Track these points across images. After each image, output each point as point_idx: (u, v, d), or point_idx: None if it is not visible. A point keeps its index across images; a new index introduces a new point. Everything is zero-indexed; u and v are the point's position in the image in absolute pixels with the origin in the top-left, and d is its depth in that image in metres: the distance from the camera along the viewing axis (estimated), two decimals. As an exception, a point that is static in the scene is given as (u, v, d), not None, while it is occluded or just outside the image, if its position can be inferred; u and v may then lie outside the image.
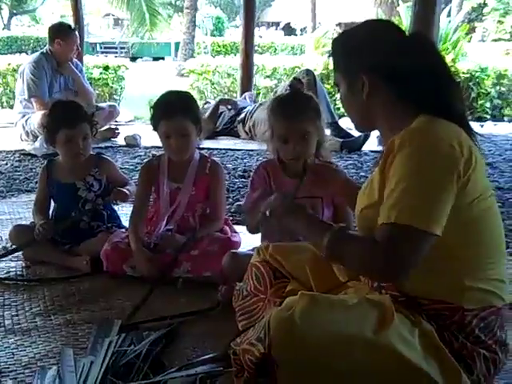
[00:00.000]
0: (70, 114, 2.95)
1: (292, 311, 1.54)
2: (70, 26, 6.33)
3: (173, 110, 2.66)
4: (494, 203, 1.68)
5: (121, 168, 4.86)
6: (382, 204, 1.56)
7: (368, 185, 1.73)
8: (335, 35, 1.89)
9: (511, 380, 1.84)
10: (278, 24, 34.62)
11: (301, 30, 30.55)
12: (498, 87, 10.06)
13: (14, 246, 2.95)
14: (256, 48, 9.03)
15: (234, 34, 27.29)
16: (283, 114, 2.43)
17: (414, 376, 1.52)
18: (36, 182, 4.48)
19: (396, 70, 1.65)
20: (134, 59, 22.45)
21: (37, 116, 5.68)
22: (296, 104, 2.44)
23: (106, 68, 9.84)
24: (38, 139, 5.51)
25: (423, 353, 1.54)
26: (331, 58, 1.81)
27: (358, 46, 1.72)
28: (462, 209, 1.56)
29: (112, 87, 9.83)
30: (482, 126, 8.85)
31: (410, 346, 1.53)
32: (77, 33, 6.10)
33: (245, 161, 5.46)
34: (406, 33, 1.75)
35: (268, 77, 10.30)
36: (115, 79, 9.90)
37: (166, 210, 2.79)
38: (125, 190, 2.99)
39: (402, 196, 1.51)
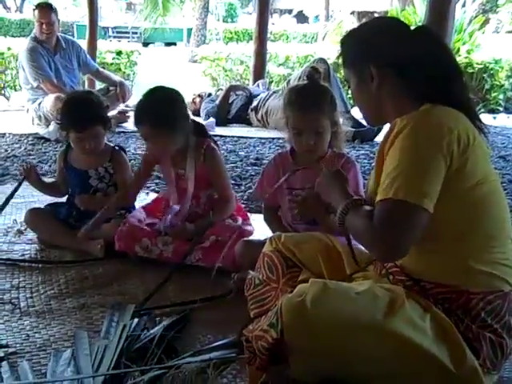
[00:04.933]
0: (81, 116, 2.92)
1: (303, 297, 1.58)
2: (46, 3, 6.29)
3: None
4: (499, 189, 1.73)
5: (133, 154, 4.89)
6: (380, 183, 1.62)
7: (373, 170, 1.78)
8: (350, 25, 1.92)
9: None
10: (290, 11, 34.44)
11: (314, 18, 30.41)
12: (511, 79, 10.01)
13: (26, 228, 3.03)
14: (268, 35, 8.99)
15: (246, 20, 27.21)
16: (299, 106, 2.43)
17: (424, 360, 1.56)
18: (50, 166, 4.53)
19: (403, 61, 1.73)
20: (146, 44, 22.45)
21: (49, 99, 5.70)
22: (313, 97, 2.44)
23: (119, 53, 9.86)
24: (52, 123, 5.53)
25: (434, 337, 1.58)
26: (341, 55, 1.88)
27: (366, 40, 1.81)
28: (465, 191, 1.63)
29: (124, 72, 9.84)
30: (494, 118, 8.82)
31: (420, 331, 1.58)
32: (52, 12, 5.99)
33: (257, 148, 5.47)
34: (413, 27, 1.83)
35: (281, 65, 10.29)
36: (128, 64, 9.92)
37: (172, 194, 2.82)
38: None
39: (397, 173, 1.57)
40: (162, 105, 2.68)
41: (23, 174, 3.06)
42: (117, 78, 6.69)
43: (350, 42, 1.87)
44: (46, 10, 5.95)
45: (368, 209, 1.66)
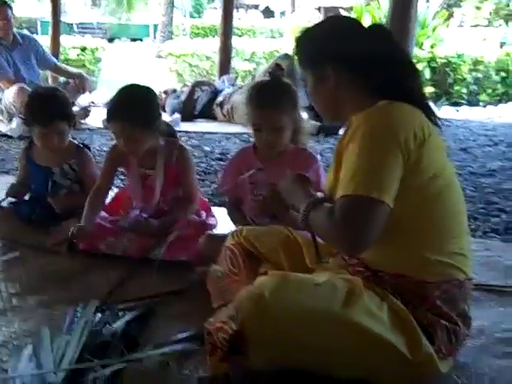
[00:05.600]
0: (45, 112, 2.91)
1: (262, 289, 1.61)
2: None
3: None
4: (454, 182, 1.78)
5: (98, 150, 4.87)
6: (340, 180, 1.65)
7: (332, 165, 1.82)
8: (315, 20, 1.95)
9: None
10: (257, 6, 34.44)
11: (280, 14, 30.44)
12: (474, 73, 10.15)
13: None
14: (235, 31, 8.99)
15: (213, 15, 27.12)
16: (257, 103, 2.46)
17: (382, 348, 1.61)
18: (12, 163, 4.48)
19: (358, 59, 1.76)
20: (111, 40, 22.26)
21: (10, 92, 5.65)
22: (272, 94, 2.47)
23: (84, 49, 9.79)
24: (14, 119, 5.47)
25: (391, 326, 1.63)
26: (296, 55, 1.91)
27: (321, 39, 1.84)
28: (421, 184, 1.67)
29: (89, 69, 9.76)
30: (457, 111, 8.95)
31: (378, 321, 1.62)
32: (7, 8, 5.97)
33: (222, 143, 5.48)
34: (371, 24, 1.90)
35: (247, 60, 10.30)
36: (92, 61, 9.84)
37: (137, 193, 2.82)
38: None
39: (355, 169, 1.61)
40: (137, 101, 2.67)
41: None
42: (76, 70, 6.65)
43: (305, 41, 1.89)
44: (0, 6, 5.89)
45: (329, 206, 1.69)
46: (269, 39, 17.19)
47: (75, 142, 3.10)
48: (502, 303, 2.29)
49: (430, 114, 1.77)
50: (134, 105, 2.64)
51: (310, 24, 2.01)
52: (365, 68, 1.76)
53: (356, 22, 1.89)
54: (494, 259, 2.76)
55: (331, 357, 1.62)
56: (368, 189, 1.57)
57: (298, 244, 2.08)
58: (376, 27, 1.89)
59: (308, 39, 1.88)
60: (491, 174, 4.60)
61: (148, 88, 2.76)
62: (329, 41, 1.81)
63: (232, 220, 2.67)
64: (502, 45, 14.96)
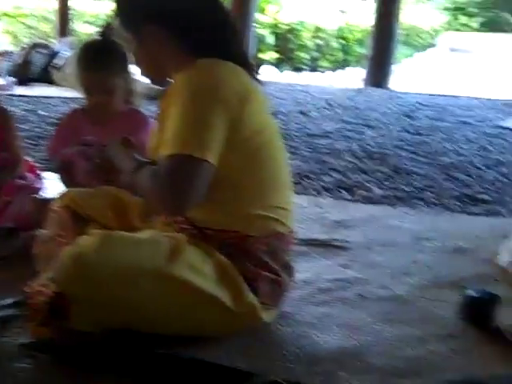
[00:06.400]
0: None
1: (83, 247, 1.58)
2: None
3: None
4: (276, 139, 1.83)
5: None
6: (164, 140, 1.64)
7: (157, 126, 1.81)
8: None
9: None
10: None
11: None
12: (315, 40, 10.47)
13: None
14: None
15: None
16: (86, 65, 2.40)
17: (206, 302, 1.64)
18: None
19: (177, 18, 1.74)
20: None
21: None
22: (101, 55, 2.40)
23: None
24: None
25: (215, 280, 1.66)
26: (117, 15, 1.87)
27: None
28: (243, 141, 1.69)
29: None
30: (299, 76, 9.21)
31: (202, 275, 1.64)
32: None
33: (58, 108, 5.31)
34: None
35: (89, 23, 9.96)
36: None
37: None
38: None
39: (178, 129, 1.60)
40: None
41: None
42: None
43: (121, 2, 1.85)
44: None
45: (153, 167, 1.68)
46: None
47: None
48: (326, 256, 2.41)
49: (251, 72, 1.79)
50: None
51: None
52: (185, 28, 1.74)
53: None
54: (323, 215, 2.90)
55: (156, 314, 1.63)
56: (191, 148, 1.57)
57: (127, 205, 2.05)
58: None
59: (124, 1, 1.85)
60: (327, 135, 4.79)
61: None
62: (145, 0, 1.78)
63: (63, 183, 2.58)
64: (342, 13, 15.49)
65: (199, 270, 1.65)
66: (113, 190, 2.11)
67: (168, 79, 1.88)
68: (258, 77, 1.84)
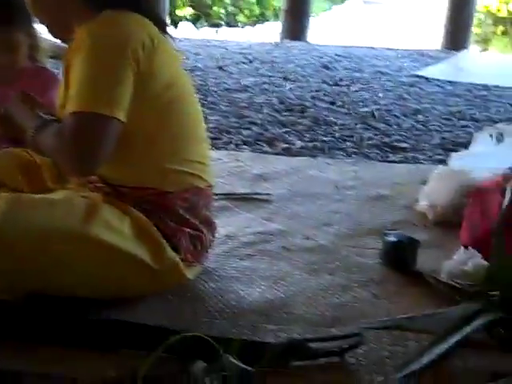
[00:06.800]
0: None
1: None
2: None
3: None
4: (189, 91, 1.78)
5: None
6: (68, 97, 1.56)
7: (61, 82, 1.72)
8: None
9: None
10: None
11: None
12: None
13: None
14: None
15: None
16: None
17: (125, 261, 1.59)
18: None
19: None
20: None
21: None
22: (0, 9, 2.25)
23: None
24: None
25: (133, 238, 1.60)
26: None
27: None
28: (153, 95, 1.62)
29: None
30: (217, 32, 9.07)
31: (119, 234, 1.59)
32: None
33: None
34: None
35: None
36: None
37: None
38: None
39: (83, 84, 1.52)
40: None
41: None
42: None
43: None
44: None
45: (59, 125, 1.59)
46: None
47: None
48: (248, 209, 2.39)
49: (160, 25, 1.71)
50: None
51: None
52: None
53: None
54: (243, 169, 2.87)
55: (74, 277, 1.57)
56: (97, 105, 1.49)
57: (38, 166, 1.96)
58: None
59: None
60: (245, 89, 4.74)
61: None
62: None
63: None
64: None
65: (116, 229, 1.59)
66: (22, 151, 2.02)
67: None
68: (170, 32, 1.76)
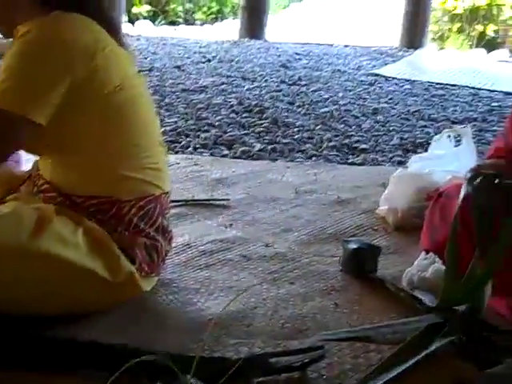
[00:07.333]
0: None
1: None
2: None
3: None
4: (142, 94, 1.72)
5: None
6: None
7: None
8: None
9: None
10: None
11: None
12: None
13: None
14: None
15: None
16: None
17: (79, 276, 1.53)
18: None
19: None
20: None
21: None
22: None
23: None
24: None
25: (87, 251, 1.55)
26: None
27: None
28: (101, 99, 1.58)
29: None
30: (175, 29, 8.97)
31: (72, 247, 1.53)
32: None
33: None
34: None
35: None
36: None
37: None
38: None
39: (6, 80, 1.48)
40: None
41: None
42: None
43: None
44: None
45: None
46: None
47: None
48: (207, 216, 2.34)
49: (112, 27, 1.66)
50: None
51: None
52: None
53: None
54: (202, 173, 2.82)
55: (26, 294, 1.50)
56: (14, 103, 1.46)
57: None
58: None
59: None
60: (203, 90, 4.69)
61: None
62: None
63: None
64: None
65: (69, 242, 1.53)
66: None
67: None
68: (127, 31, 1.71)
